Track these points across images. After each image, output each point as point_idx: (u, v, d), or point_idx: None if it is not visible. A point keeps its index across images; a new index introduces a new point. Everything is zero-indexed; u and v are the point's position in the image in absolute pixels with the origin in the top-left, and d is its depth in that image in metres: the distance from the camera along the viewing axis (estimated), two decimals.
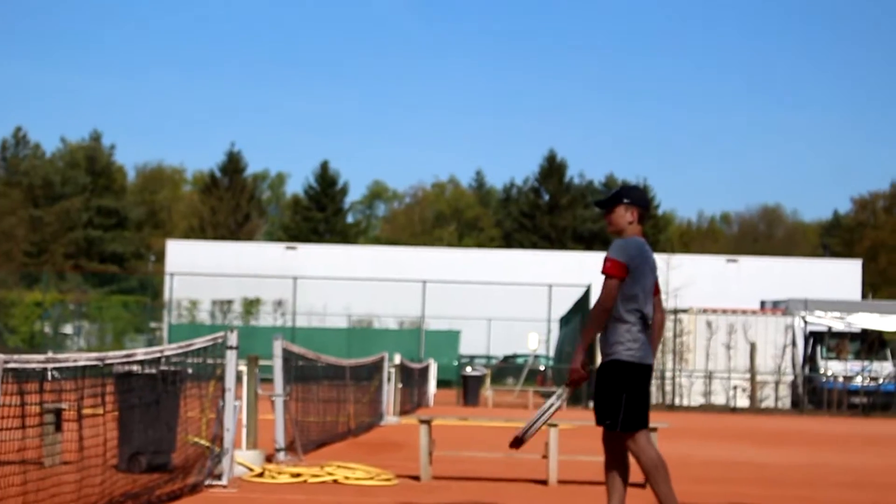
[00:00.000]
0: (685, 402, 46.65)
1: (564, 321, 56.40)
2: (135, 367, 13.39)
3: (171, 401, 13.89)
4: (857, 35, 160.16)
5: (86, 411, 10.56)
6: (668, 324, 46.53)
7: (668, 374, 46.90)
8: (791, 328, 48.12)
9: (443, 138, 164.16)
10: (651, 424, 9.93)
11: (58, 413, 13.56)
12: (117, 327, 63.61)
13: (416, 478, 15.08)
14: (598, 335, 9.75)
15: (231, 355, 13.67)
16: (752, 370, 46.80)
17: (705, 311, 48.52)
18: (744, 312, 48.97)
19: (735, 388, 46.73)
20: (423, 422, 15.45)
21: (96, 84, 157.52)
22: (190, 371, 14.17)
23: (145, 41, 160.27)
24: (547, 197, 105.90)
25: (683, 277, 48.82)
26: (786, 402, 47.39)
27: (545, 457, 15.28)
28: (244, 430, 15.69)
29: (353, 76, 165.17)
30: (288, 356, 17.51)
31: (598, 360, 9.78)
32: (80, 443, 10.26)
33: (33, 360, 9.35)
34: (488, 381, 46.33)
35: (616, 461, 9.70)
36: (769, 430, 32.17)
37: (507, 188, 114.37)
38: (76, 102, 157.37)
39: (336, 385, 23.45)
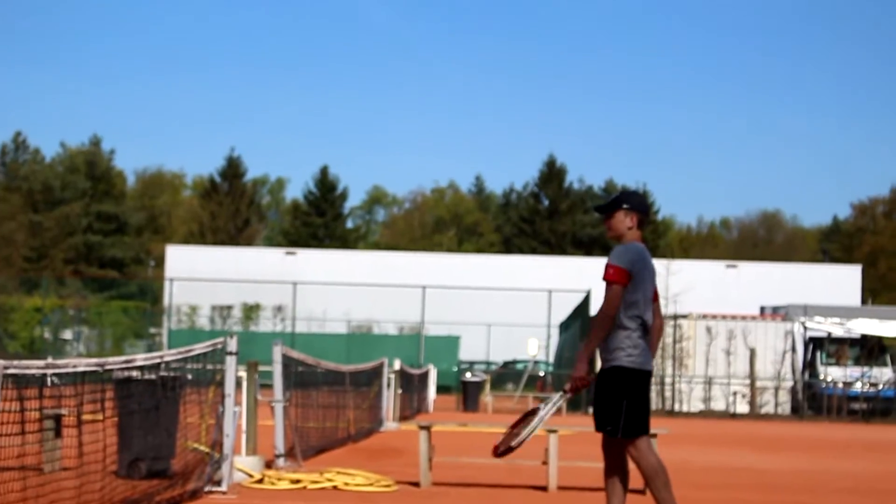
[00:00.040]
0: (685, 408, 46.64)
1: (564, 327, 56.40)
2: (134, 373, 13.38)
3: (170, 406, 13.88)
4: (856, 39, 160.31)
5: (85, 417, 10.56)
6: (668, 329, 46.55)
7: (668, 380, 46.91)
8: (791, 334, 48.14)
9: (442, 143, 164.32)
10: (651, 430, 9.93)
11: (57, 419, 13.55)
12: (117, 333, 63.60)
13: (416, 484, 15.07)
14: None
15: (231, 361, 13.66)
16: (752, 376, 46.81)
17: (705, 316, 48.52)
18: (743, 318, 48.98)
19: (735, 393, 46.72)
20: (422, 428, 15.45)
21: (96, 89, 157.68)
22: (189, 377, 14.16)
23: (145, 46, 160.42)
24: (546, 202, 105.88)
25: (683, 283, 48.86)
26: (785, 408, 47.39)
27: (545, 463, 15.27)
28: (244, 436, 15.68)
29: (353, 81, 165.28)
30: (287, 362, 17.51)
31: (598, 366, 9.75)
32: (79, 449, 10.25)
33: (33, 366, 9.34)
34: (488, 386, 46.32)
35: (616, 467, 9.70)
36: (769, 436, 32.16)
37: (507, 193, 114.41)
38: (76, 107, 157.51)
39: (336, 391, 23.43)
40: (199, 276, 64.51)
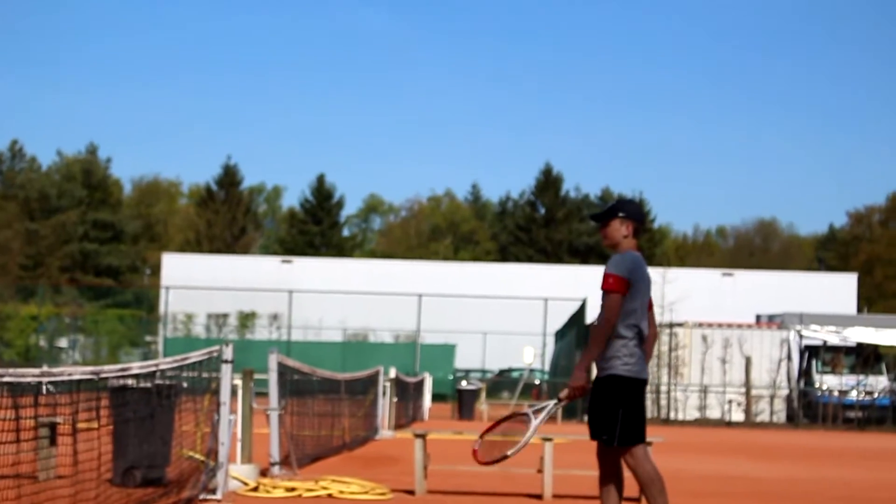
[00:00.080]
0: (680, 416, 46.65)
1: (560, 335, 56.39)
2: (130, 381, 13.38)
3: (165, 415, 13.88)
4: (854, 48, 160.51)
5: (80, 425, 10.55)
6: (664, 337, 46.60)
7: (664, 388, 46.91)
8: (786, 342, 48.17)
9: (439, 152, 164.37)
10: (646, 439, 9.93)
11: (52, 427, 13.55)
12: (112, 341, 63.51)
13: (411, 492, 15.08)
14: None
15: (226, 369, 13.67)
16: (748, 384, 46.82)
17: (701, 324, 48.54)
18: (739, 326, 48.99)
19: (730, 402, 46.73)
20: (418, 436, 15.45)
21: (92, 97, 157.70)
22: (185, 385, 14.16)
23: (141, 54, 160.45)
24: (543, 210, 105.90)
25: (679, 291, 48.88)
26: (781, 417, 47.40)
27: (540, 471, 15.28)
28: (239, 444, 15.68)
29: (350, 90, 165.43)
30: (283, 370, 17.52)
31: (593, 374, 9.75)
32: (74, 457, 10.25)
33: (28, 374, 9.34)
34: (483, 395, 46.31)
35: (611, 475, 9.71)
36: (764, 445, 32.17)
37: (503, 202, 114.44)
38: (72, 115, 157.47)
39: (331, 399, 23.44)
40: (195, 284, 64.48)
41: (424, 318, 57.29)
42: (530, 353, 52.42)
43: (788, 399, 48.06)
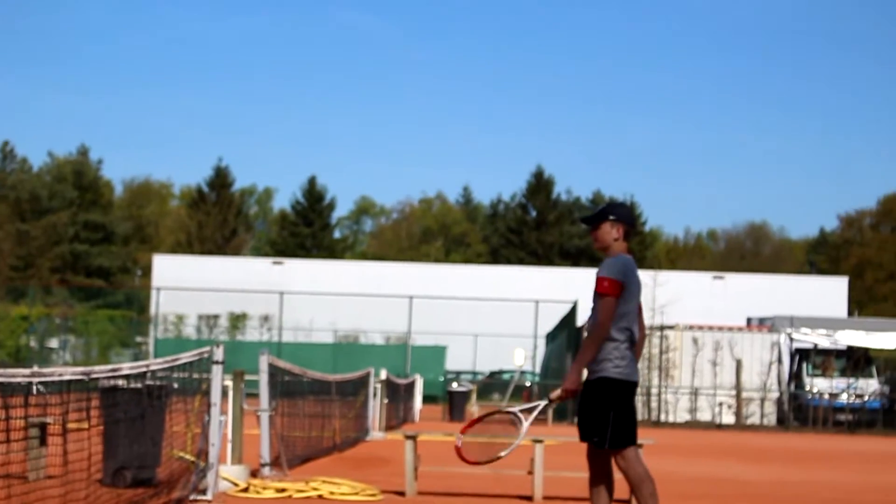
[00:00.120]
0: (671, 419, 46.67)
1: (551, 337, 56.41)
2: (120, 382, 13.37)
3: (156, 415, 13.87)
4: (846, 52, 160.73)
5: (71, 425, 10.54)
6: (655, 340, 46.66)
7: (654, 391, 46.94)
8: (777, 345, 48.22)
9: (430, 154, 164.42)
10: (637, 441, 9.93)
11: (42, 427, 13.54)
12: (103, 341, 63.43)
13: (402, 493, 15.08)
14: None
15: (217, 370, 13.66)
16: (738, 387, 46.86)
17: (691, 327, 48.57)
18: (730, 329, 49.04)
19: (721, 404, 46.77)
20: (408, 437, 15.45)
21: (84, 99, 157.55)
22: (176, 386, 14.15)
23: (133, 56, 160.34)
24: (534, 213, 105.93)
25: (670, 294, 48.92)
26: (771, 419, 47.45)
27: (530, 473, 15.28)
28: (229, 445, 15.67)
29: (341, 92, 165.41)
30: (274, 371, 17.50)
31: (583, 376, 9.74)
32: (64, 457, 10.24)
33: (18, 374, 9.33)
34: (474, 396, 46.31)
35: (601, 477, 9.71)
36: (755, 447, 32.19)
37: (495, 204, 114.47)
38: (63, 117, 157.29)
39: (322, 400, 23.43)
40: (185, 285, 64.44)
41: (415, 320, 57.26)
42: (521, 356, 52.43)
43: (779, 402, 48.11)
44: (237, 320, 66.99)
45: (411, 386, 42.64)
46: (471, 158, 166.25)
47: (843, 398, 46.96)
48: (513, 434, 9.79)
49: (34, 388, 10.15)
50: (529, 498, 15.17)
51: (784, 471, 22.96)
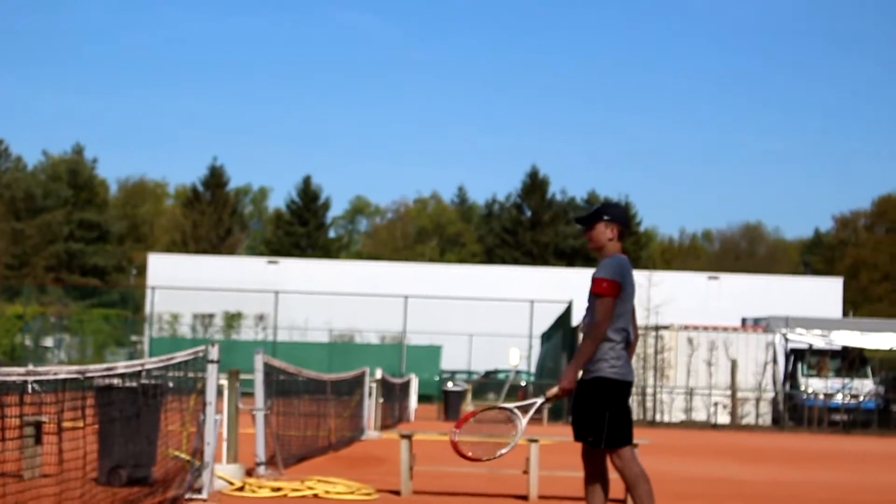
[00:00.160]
0: (666, 419, 46.67)
1: (546, 337, 56.41)
2: (115, 381, 13.36)
3: (151, 414, 13.87)
4: (841, 52, 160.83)
5: (66, 424, 10.53)
6: (650, 340, 46.67)
7: (649, 391, 46.93)
8: (772, 345, 48.20)
9: (425, 154, 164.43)
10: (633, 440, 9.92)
11: (38, 426, 13.53)
12: (98, 340, 63.40)
13: (397, 492, 15.08)
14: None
15: (212, 369, 13.65)
16: (733, 387, 46.86)
17: (686, 327, 48.55)
18: (725, 329, 49.03)
19: (716, 404, 46.76)
20: (403, 436, 15.45)
21: (79, 98, 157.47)
22: (171, 385, 14.14)
23: (128, 55, 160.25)
24: (529, 213, 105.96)
25: (665, 294, 48.87)
26: (766, 419, 47.45)
27: (526, 472, 15.28)
28: (225, 444, 15.67)
29: (336, 91, 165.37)
30: (269, 370, 17.50)
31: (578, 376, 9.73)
32: (59, 456, 10.23)
33: (13, 373, 9.32)
34: (469, 396, 46.29)
35: (596, 476, 9.71)
36: (750, 447, 32.20)
37: (490, 204, 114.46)
38: (58, 116, 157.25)
39: (317, 399, 23.43)
40: (180, 284, 64.43)
41: (410, 320, 57.33)
42: (516, 355, 52.47)
43: (774, 402, 48.12)
44: (232, 319, 66.98)
45: (406, 385, 42.64)
46: (466, 158, 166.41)
47: (839, 398, 46.97)
48: (510, 433, 9.78)
49: (29, 386, 10.14)
50: (525, 497, 15.17)
51: (779, 471, 22.97)
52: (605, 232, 9.77)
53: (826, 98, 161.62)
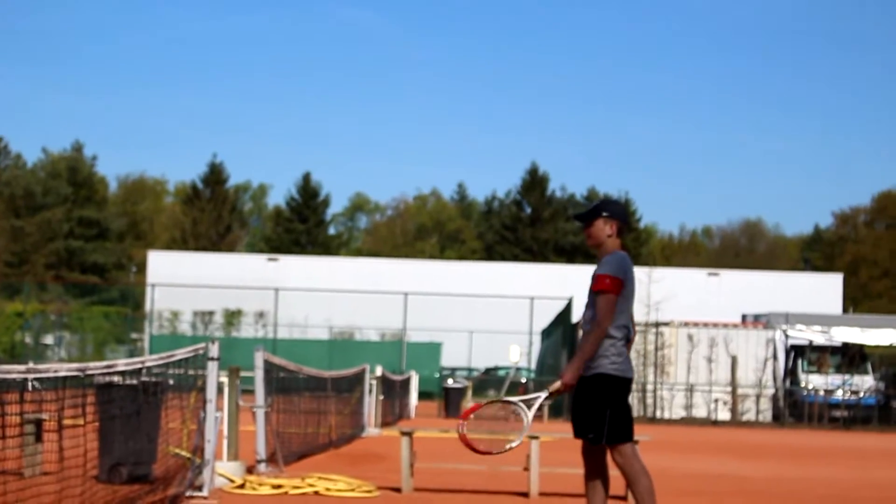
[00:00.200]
0: (666, 415, 46.68)
1: (546, 333, 56.40)
2: (116, 378, 13.35)
3: (152, 412, 13.86)
4: (841, 51, 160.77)
5: (66, 422, 10.52)
6: (650, 336, 46.69)
7: (650, 387, 46.93)
8: (772, 342, 48.20)
9: (425, 151, 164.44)
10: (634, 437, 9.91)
11: (38, 423, 13.51)
12: (98, 338, 63.41)
13: (398, 489, 15.07)
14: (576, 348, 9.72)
15: (212, 366, 13.64)
16: (734, 383, 46.87)
17: (687, 324, 48.56)
18: (725, 326, 49.03)
19: (716, 401, 46.75)
20: (404, 434, 15.44)
21: (78, 95, 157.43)
22: (171, 382, 14.12)
23: (127, 52, 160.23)
24: (529, 210, 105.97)
25: (665, 291, 48.86)
26: (767, 416, 47.45)
27: (526, 469, 15.27)
28: (225, 442, 15.65)
29: (336, 88, 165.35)
30: (269, 368, 17.48)
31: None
32: (60, 453, 10.22)
33: (14, 371, 9.31)
34: (470, 393, 46.29)
35: (596, 473, 9.69)
36: (750, 444, 32.21)
37: (489, 201, 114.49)
38: (58, 114, 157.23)
39: (317, 397, 23.43)
40: (180, 281, 64.41)
41: (410, 317, 57.31)
42: (516, 352, 52.46)
43: (774, 398, 48.12)
44: (232, 317, 66.99)
45: (407, 382, 42.64)
46: (465, 155, 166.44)
47: (839, 395, 47.00)
48: (518, 429, 9.75)
49: (29, 384, 10.14)
50: (525, 494, 15.16)
51: (779, 467, 22.97)
52: (603, 229, 9.75)
53: (826, 96, 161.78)
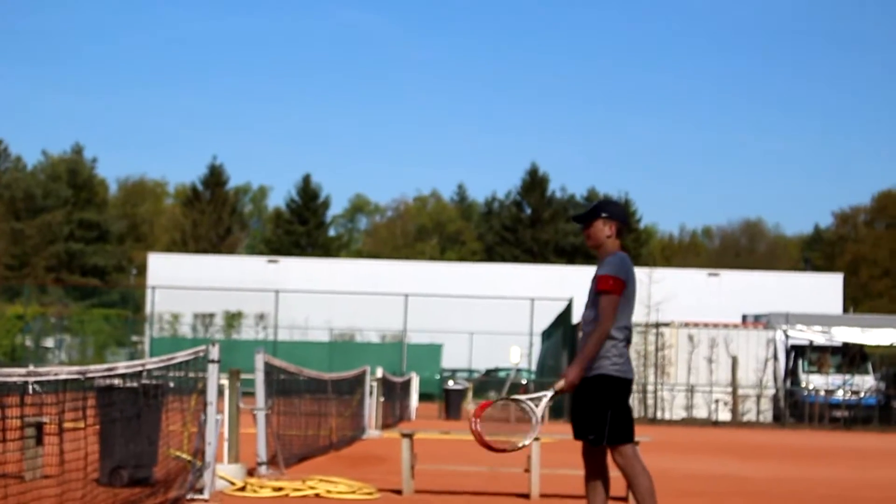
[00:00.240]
0: (667, 416, 46.67)
1: (546, 335, 56.39)
2: (116, 381, 13.35)
3: (152, 414, 13.86)
4: (841, 51, 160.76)
5: (67, 425, 10.52)
6: (650, 337, 46.70)
7: (650, 388, 46.93)
8: (773, 342, 48.20)
9: (425, 152, 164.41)
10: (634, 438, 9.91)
11: (39, 427, 13.51)
12: (99, 341, 63.37)
13: (399, 492, 15.07)
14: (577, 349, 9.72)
15: (213, 369, 13.64)
16: (734, 384, 46.86)
17: (687, 324, 48.55)
18: (725, 326, 49.02)
19: (717, 401, 46.74)
20: (405, 435, 15.43)
21: (78, 97, 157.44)
22: (171, 385, 14.13)
23: (127, 54, 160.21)
24: (529, 211, 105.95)
25: (665, 291, 48.84)
26: (767, 416, 47.45)
27: (527, 470, 15.27)
28: (226, 444, 15.66)
29: (336, 90, 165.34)
30: (270, 370, 17.49)
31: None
32: (61, 456, 10.22)
33: (14, 374, 9.31)
34: (470, 394, 46.29)
35: (597, 474, 9.70)
36: (751, 444, 32.20)
37: (489, 202, 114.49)
38: (58, 116, 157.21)
39: (318, 399, 23.42)
40: (181, 284, 64.38)
41: (411, 318, 57.27)
42: (517, 353, 52.41)
43: (775, 398, 48.11)
44: (232, 319, 66.95)
45: (407, 384, 42.64)
46: (465, 156, 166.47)
47: (839, 395, 47.00)
48: (528, 426, 9.74)
49: (30, 387, 10.13)
50: (526, 496, 15.16)
51: (780, 467, 22.97)
52: (603, 229, 9.75)
53: (826, 96, 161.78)
